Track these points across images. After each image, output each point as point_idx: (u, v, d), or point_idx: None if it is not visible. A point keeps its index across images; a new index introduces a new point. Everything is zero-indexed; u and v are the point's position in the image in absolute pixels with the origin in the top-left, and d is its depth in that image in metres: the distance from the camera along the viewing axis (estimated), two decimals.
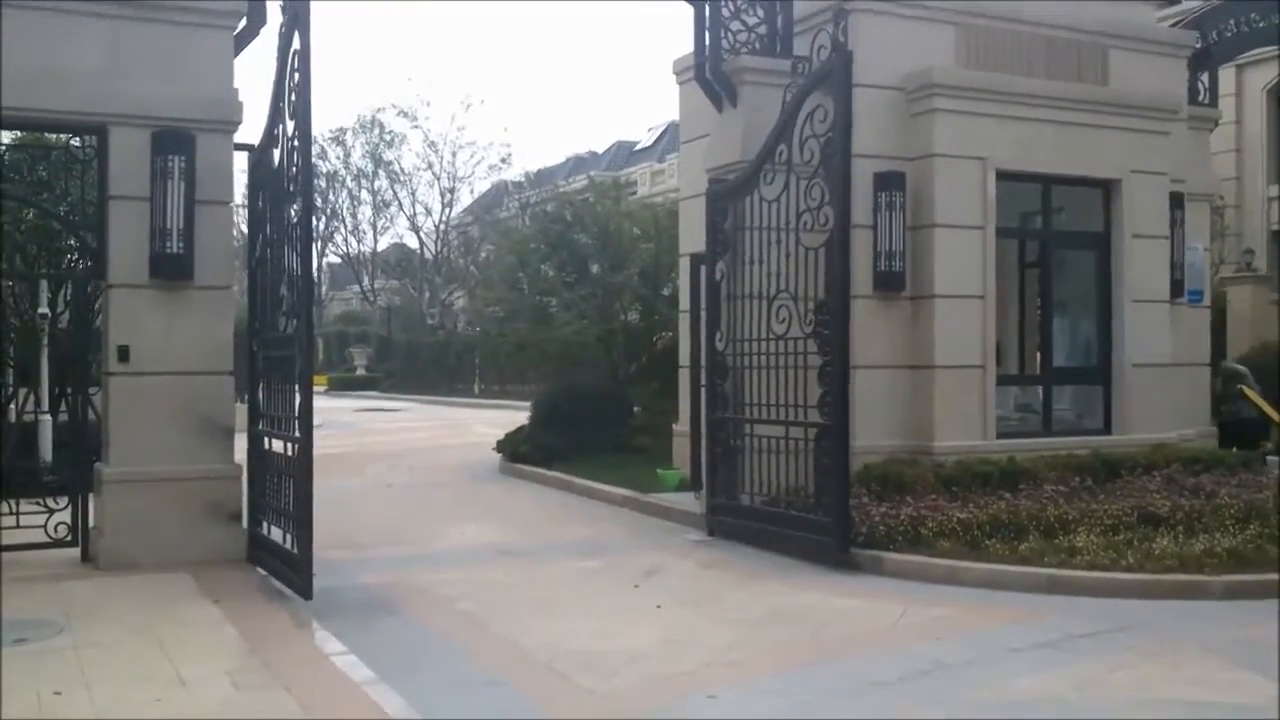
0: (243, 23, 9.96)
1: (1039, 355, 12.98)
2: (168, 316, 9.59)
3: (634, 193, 31.46)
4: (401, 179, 55.47)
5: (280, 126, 9.00)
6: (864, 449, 11.32)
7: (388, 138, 54.82)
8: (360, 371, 53.10)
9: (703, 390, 12.01)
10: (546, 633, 7.83)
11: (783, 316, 10.59)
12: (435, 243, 55.57)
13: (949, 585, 9.29)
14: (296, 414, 8.51)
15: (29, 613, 7.81)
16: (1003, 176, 11.92)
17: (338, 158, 58.39)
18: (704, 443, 11.91)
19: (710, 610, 8.62)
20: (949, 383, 11.65)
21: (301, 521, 8.44)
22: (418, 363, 47.02)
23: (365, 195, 58.73)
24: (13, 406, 12.26)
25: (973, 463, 11.20)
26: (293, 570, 8.58)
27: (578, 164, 55.67)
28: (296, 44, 8.55)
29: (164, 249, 9.44)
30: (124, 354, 9.49)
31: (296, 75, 8.53)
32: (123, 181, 9.50)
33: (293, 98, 8.61)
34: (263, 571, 9.31)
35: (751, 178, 11.07)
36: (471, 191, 54.82)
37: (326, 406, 36.29)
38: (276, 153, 9.21)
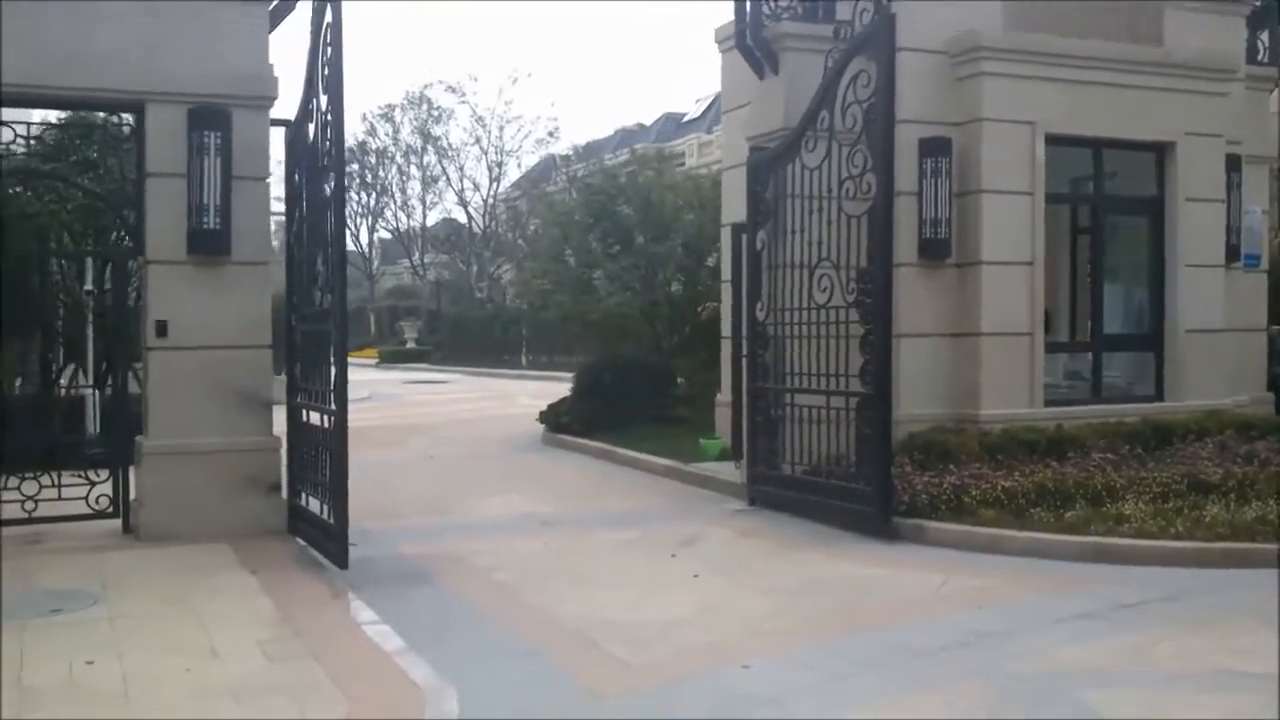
0: None
1: (1089, 322, 12.69)
2: (205, 292, 9.62)
3: (682, 164, 31.26)
4: (449, 154, 55.68)
5: (314, 101, 8.97)
6: (908, 418, 11.17)
7: (435, 113, 54.90)
8: (410, 344, 53.36)
9: (744, 360, 11.89)
10: (582, 603, 7.79)
11: (824, 285, 10.43)
12: (483, 217, 55.71)
13: (992, 554, 9.14)
14: (332, 387, 8.51)
15: (66, 583, 7.89)
16: (1052, 141, 11.62)
17: (386, 134, 58.81)
18: (745, 412, 11.80)
19: (747, 579, 8.54)
20: (995, 350, 11.43)
21: (337, 492, 8.47)
22: (466, 336, 47.12)
23: (414, 171, 59.11)
24: (60, 381, 12.39)
25: (1019, 431, 11.00)
26: (329, 540, 8.62)
27: (625, 137, 55.46)
28: (329, 17, 8.51)
29: (201, 225, 9.46)
30: (162, 329, 9.53)
31: (329, 49, 8.49)
32: (160, 159, 9.52)
33: (325, 72, 8.59)
34: (301, 542, 9.35)
35: (793, 145, 10.90)
36: (519, 165, 54.92)
37: (374, 379, 36.67)
38: (311, 127, 9.18)
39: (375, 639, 6.68)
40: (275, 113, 9.99)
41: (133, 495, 9.79)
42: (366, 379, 37.75)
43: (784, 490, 11.04)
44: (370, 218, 63.54)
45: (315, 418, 9.23)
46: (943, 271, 11.52)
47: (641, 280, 16.83)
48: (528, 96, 78.30)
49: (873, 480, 9.83)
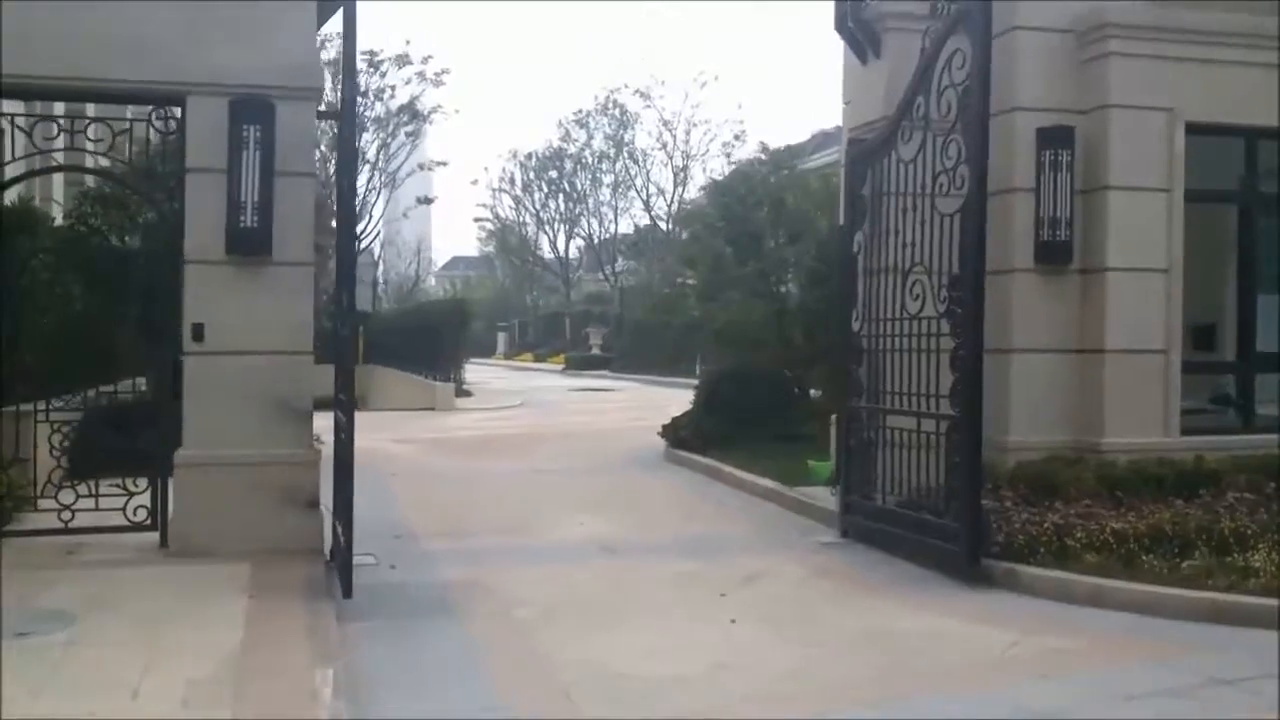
0: None
1: (1239, 338, 11.05)
2: (244, 294, 9.15)
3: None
4: (639, 159, 55.45)
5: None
6: (1019, 445, 9.98)
7: (624, 118, 54.74)
8: (595, 351, 53.35)
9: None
10: (593, 649, 7.00)
11: (917, 293, 9.32)
12: (667, 222, 55.24)
13: (1092, 608, 7.90)
14: (339, 393, 7.92)
15: (61, 602, 7.48)
16: (1194, 130, 10.13)
17: (579, 142, 59.03)
18: (839, 434, 10.73)
19: (792, 628, 7.54)
20: (1123, 370, 10.04)
21: (343, 512, 7.86)
22: (646, 342, 46.62)
23: (606, 177, 59.12)
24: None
25: (1146, 464, 9.61)
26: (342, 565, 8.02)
27: (824, 140, 53.90)
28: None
29: (240, 223, 8.99)
30: (198, 333, 9.11)
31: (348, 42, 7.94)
32: (200, 153, 9.10)
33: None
34: (333, 564, 8.80)
35: (890, 136, 9.80)
36: (705, 170, 54.20)
37: (543, 385, 36.63)
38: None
39: (318, 686, 5.98)
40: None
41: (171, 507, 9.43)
42: (535, 385, 37.83)
43: (876, 523, 9.94)
44: (567, 224, 64.06)
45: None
46: (1063, 279, 10.17)
47: (770, 287, 15.79)
48: (715, 99, 77.41)
49: (961, 516, 8.68)
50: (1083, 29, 10.11)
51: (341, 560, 7.88)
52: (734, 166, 51.39)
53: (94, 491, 9.51)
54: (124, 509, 9.43)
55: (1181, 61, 10.06)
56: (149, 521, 9.45)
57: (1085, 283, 10.19)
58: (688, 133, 53.08)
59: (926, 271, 9.18)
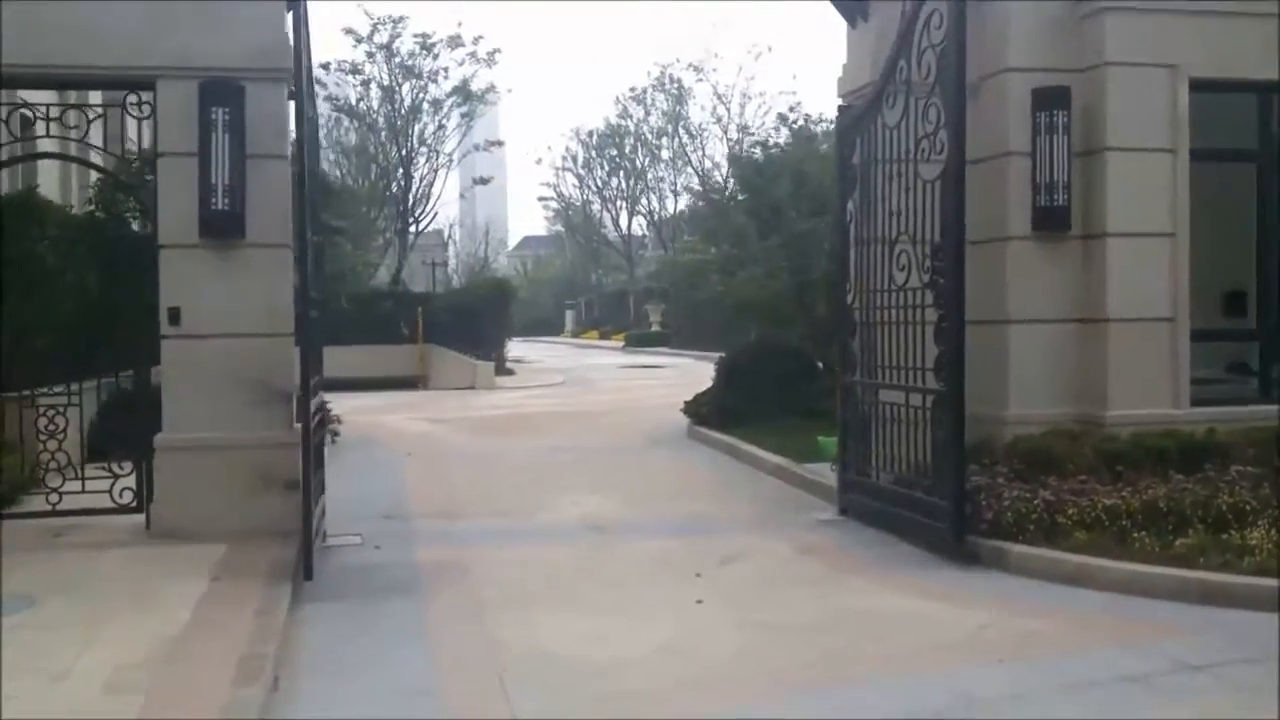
0: None
1: (1255, 305, 10.56)
2: (220, 277, 9.11)
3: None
4: (695, 135, 54.93)
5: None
6: (1019, 418, 9.64)
7: (677, 93, 54.20)
8: (655, 327, 53.23)
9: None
10: (545, 631, 6.89)
11: (903, 263, 9.03)
12: (724, 196, 54.66)
13: (1078, 588, 7.61)
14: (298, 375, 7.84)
15: (28, 585, 7.47)
16: (1199, 87, 9.64)
17: (637, 118, 58.62)
18: (839, 409, 10.46)
19: (758, 610, 7.33)
20: (1127, 339, 9.62)
21: (304, 493, 7.79)
22: (703, 318, 46.34)
23: (664, 155, 58.68)
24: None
25: (1149, 436, 9.20)
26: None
27: None
28: None
29: (212, 206, 8.94)
30: (175, 316, 9.09)
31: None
32: (171, 137, 9.07)
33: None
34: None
35: (876, 101, 9.49)
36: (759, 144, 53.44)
37: (595, 364, 36.55)
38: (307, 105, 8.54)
39: (245, 671, 5.90)
40: None
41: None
42: (587, 363, 37.77)
43: (873, 500, 9.70)
44: (629, 202, 63.76)
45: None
46: (1063, 245, 9.76)
47: (791, 260, 15.45)
48: (769, 72, 76.35)
49: (947, 493, 8.40)
50: None
51: (302, 543, 7.81)
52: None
53: (80, 475, 9.55)
54: (110, 491, 9.47)
55: (1185, 15, 9.57)
56: (134, 504, 9.49)
57: (1086, 249, 9.77)
58: (742, 106, 52.38)
59: (912, 241, 8.89)
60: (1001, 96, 9.62)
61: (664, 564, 8.60)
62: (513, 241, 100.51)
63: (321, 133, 45.20)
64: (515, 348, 38.94)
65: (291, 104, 9.18)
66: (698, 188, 49.53)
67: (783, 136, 18.93)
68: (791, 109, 51.00)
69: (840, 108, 10.38)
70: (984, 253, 9.61)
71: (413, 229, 41.07)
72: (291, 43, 9.03)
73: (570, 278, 76.87)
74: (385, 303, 29.93)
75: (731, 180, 18.78)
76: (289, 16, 8.96)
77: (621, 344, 52.39)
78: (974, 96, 9.14)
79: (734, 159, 20.07)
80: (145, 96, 9.24)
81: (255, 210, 9.06)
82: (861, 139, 9.78)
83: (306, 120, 8.02)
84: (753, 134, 49.01)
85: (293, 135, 8.90)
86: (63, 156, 11.02)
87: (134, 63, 9.03)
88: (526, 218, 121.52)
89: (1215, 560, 7.46)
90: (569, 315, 72.18)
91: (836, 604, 7.45)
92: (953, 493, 8.32)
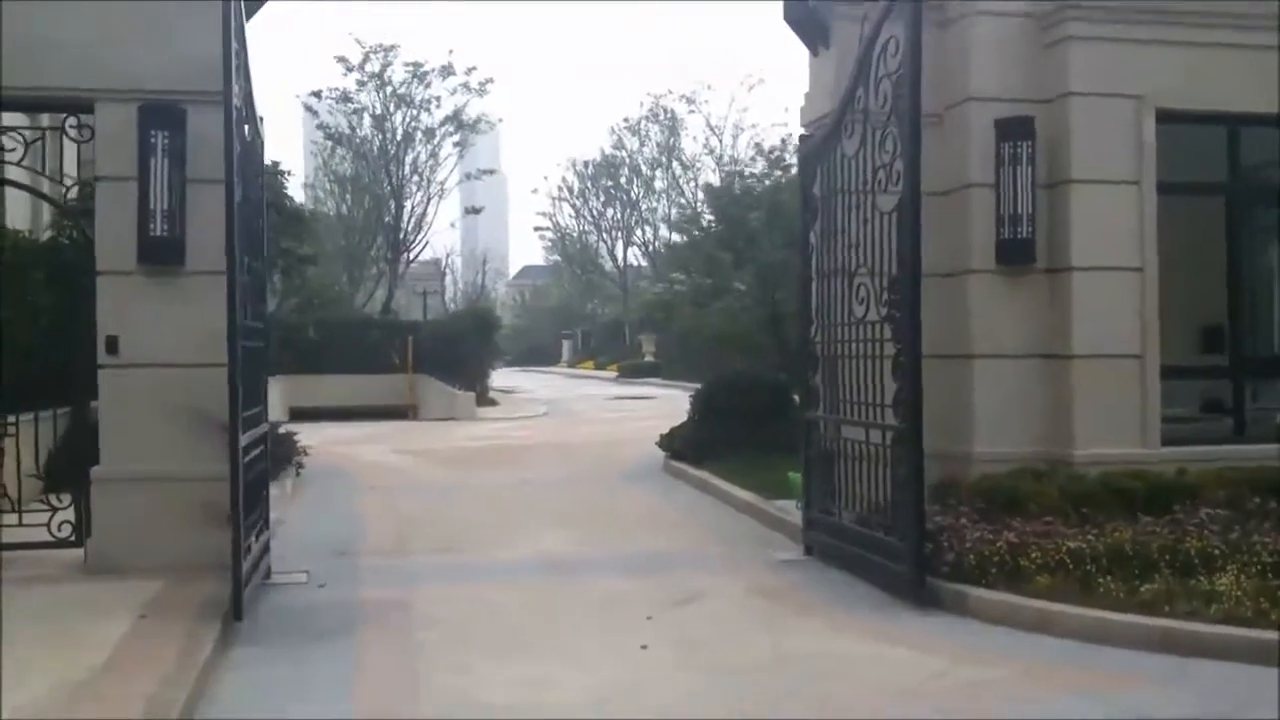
0: None
1: (1226, 341, 10.29)
2: (159, 305, 8.85)
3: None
4: (686, 164, 54.86)
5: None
6: (986, 456, 9.40)
7: (670, 124, 54.20)
8: (648, 358, 52.98)
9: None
10: (475, 677, 6.59)
11: (862, 296, 8.78)
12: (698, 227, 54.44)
13: (1039, 634, 7.31)
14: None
15: None
16: (1166, 118, 9.45)
17: (632, 149, 58.58)
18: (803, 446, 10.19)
19: (703, 654, 7.04)
20: (1093, 376, 9.37)
21: (233, 537, 7.50)
22: (694, 348, 46.10)
23: (657, 185, 58.60)
24: None
25: (1118, 476, 8.93)
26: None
27: None
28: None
29: (150, 231, 8.70)
30: (113, 345, 8.83)
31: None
32: (110, 161, 8.83)
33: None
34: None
35: (835, 131, 9.26)
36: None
37: (583, 393, 36.24)
38: (247, 129, 8.30)
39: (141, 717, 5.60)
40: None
41: None
42: (575, 394, 37.47)
43: (836, 539, 9.41)
44: (624, 232, 63.61)
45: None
46: (1028, 279, 9.54)
47: (765, 290, 15.20)
48: (761, 103, 76.47)
49: (907, 535, 8.12)
50: (1042, 12, 9.47)
51: (233, 582, 7.52)
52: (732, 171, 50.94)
53: (16, 507, 9.26)
54: (48, 525, 9.18)
55: (1152, 45, 9.38)
56: (73, 538, 9.19)
57: (1051, 283, 9.54)
58: (734, 138, 52.35)
59: (871, 273, 8.64)
60: (964, 126, 9.42)
61: (616, 605, 8.29)
62: (513, 270, 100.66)
63: (314, 161, 45.64)
64: (509, 377, 38.69)
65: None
66: (677, 219, 49.41)
67: (759, 166, 18.59)
68: (783, 140, 51.25)
69: (801, 137, 10.18)
70: (947, 286, 9.38)
71: (404, 257, 40.86)
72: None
73: (567, 307, 76.76)
74: (374, 331, 29.74)
75: (706, 210, 18.51)
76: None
77: (615, 374, 52.17)
78: (935, 126, 8.93)
79: (709, 190, 19.83)
80: (86, 119, 9.03)
81: (196, 237, 8.80)
82: (822, 169, 9.55)
83: (242, 142, 7.74)
84: (739, 166, 49.19)
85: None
86: (10, 183, 10.75)
87: (74, 84, 8.79)
88: (527, 247, 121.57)
89: (1182, 607, 7.17)
90: (565, 345, 72.03)
91: (788, 648, 7.16)
92: (913, 534, 8.04)
